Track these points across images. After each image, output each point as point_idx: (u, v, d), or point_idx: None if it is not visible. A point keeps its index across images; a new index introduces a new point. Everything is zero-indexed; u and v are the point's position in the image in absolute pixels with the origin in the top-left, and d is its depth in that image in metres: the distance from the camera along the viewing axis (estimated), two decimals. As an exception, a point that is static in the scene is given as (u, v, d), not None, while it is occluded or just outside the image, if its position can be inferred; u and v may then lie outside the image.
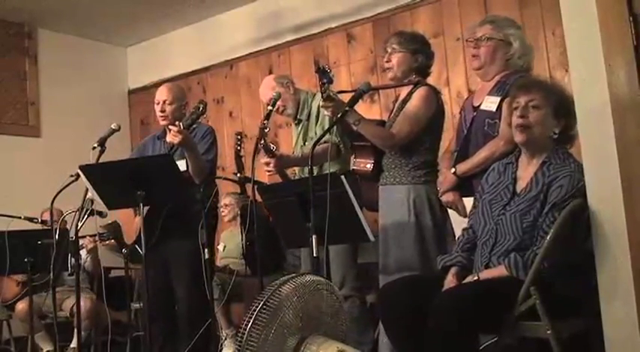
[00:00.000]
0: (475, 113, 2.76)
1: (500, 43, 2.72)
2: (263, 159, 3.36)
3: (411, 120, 2.95)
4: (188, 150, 3.12)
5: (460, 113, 2.93)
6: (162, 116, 3.46)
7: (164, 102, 3.45)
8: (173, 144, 3.10)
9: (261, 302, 1.98)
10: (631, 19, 1.99)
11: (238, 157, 3.97)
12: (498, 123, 2.63)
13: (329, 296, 2.13)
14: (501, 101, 2.62)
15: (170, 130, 3.09)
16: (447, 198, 2.79)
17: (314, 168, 2.76)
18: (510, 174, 2.38)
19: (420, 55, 3.07)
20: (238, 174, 3.90)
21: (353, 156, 3.22)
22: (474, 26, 2.85)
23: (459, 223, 2.78)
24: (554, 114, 2.27)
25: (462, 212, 2.75)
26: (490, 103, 2.68)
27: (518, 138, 2.31)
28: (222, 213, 4.87)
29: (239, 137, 3.96)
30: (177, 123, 3.11)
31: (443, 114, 3.07)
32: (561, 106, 2.27)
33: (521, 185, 2.33)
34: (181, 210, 3.19)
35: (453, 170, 2.74)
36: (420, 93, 2.98)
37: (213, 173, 3.51)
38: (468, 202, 2.66)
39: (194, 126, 3.22)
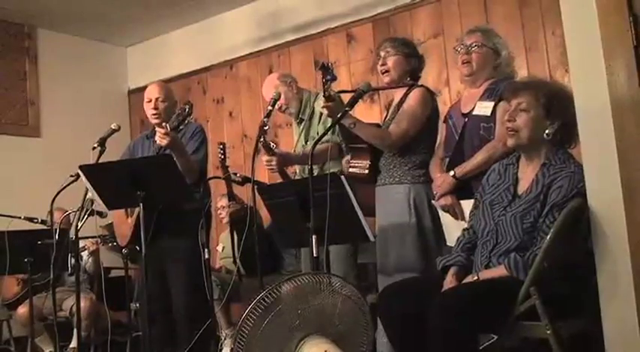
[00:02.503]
0: (466, 119, 2.80)
1: (490, 51, 2.80)
2: (264, 157, 3.36)
3: (407, 120, 2.96)
4: (176, 151, 3.09)
5: (446, 122, 2.96)
6: (154, 114, 3.44)
7: (156, 99, 3.43)
8: (161, 146, 3.10)
9: (260, 295, 2.00)
10: (631, 19, 1.99)
11: (224, 167, 3.97)
12: (494, 127, 2.66)
13: (331, 297, 2.10)
14: (495, 105, 2.68)
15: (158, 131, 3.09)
16: (445, 201, 2.79)
17: (314, 168, 2.76)
18: (511, 175, 2.38)
19: (412, 58, 3.11)
20: (238, 174, 3.90)
21: (349, 158, 3.22)
22: (462, 36, 2.94)
23: (449, 225, 2.78)
24: (545, 115, 2.27)
25: (459, 215, 2.76)
26: (484, 108, 2.73)
27: (508, 141, 2.35)
28: (221, 215, 4.87)
29: (221, 147, 3.96)
30: (164, 124, 3.10)
31: (438, 114, 3.09)
32: (553, 106, 2.26)
33: (522, 186, 2.33)
34: (175, 210, 3.19)
35: (451, 173, 2.75)
36: (415, 93, 3.01)
37: (204, 172, 3.50)
38: (466, 205, 2.67)
39: (181, 127, 3.20)
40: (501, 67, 2.81)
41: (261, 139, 3.25)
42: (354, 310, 2.10)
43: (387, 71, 3.07)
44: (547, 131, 2.27)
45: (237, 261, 3.90)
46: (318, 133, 3.42)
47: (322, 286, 2.08)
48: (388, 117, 3.14)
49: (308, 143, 3.54)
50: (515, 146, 2.34)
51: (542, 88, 2.34)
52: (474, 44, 2.80)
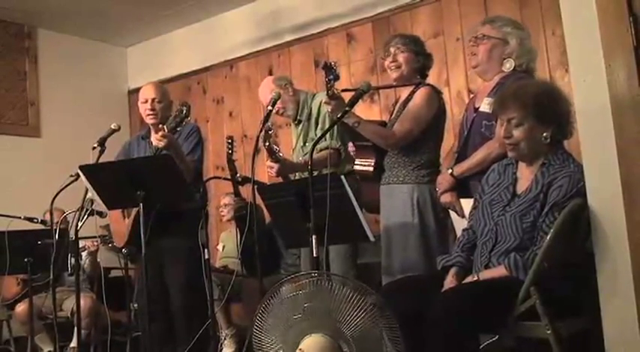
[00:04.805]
0: (475, 115, 2.77)
1: (498, 42, 2.72)
2: (267, 161, 3.37)
3: (412, 119, 2.96)
4: (172, 152, 3.07)
5: (464, 114, 2.93)
6: (151, 114, 3.42)
7: (153, 100, 3.42)
8: (158, 147, 3.10)
9: (271, 290, 2.07)
10: (631, 19, 1.99)
11: (230, 161, 3.98)
12: (495, 125, 2.63)
13: (334, 297, 2.07)
14: None
15: (156, 132, 3.08)
16: (445, 198, 2.80)
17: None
18: (510, 174, 2.38)
19: (421, 56, 3.10)
20: (238, 174, 3.91)
21: (354, 153, 3.22)
22: (476, 26, 2.87)
23: (459, 222, 2.79)
24: (539, 123, 2.25)
25: (459, 212, 2.77)
26: (488, 105, 2.68)
27: (510, 154, 2.34)
28: (222, 213, 4.88)
29: (229, 141, 3.97)
30: (160, 126, 3.09)
31: (445, 114, 3.09)
32: (543, 112, 2.24)
33: (521, 186, 2.33)
34: (174, 210, 3.18)
35: (449, 171, 2.75)
36: (421, 93, 3.00)
37: (201, 172, 3.51)
38: (466, 203, 2.67)
39: (178, 128, 3.18)
40: (512, 58, 2.70)
41: (266, 143, 3.26)
42: (366, 316, 2.05)
43: (397, 67, 3.05)
44: (544, 134, 2.27)
45: (239, 260, 3.91)
46: (316, 135, 3.42)
47: (335, 289, 2.07)
48: (394, 115, 3.13)
49: (307, 144, 3.54)
50: (517, 157, 2.34)
51: (527, 96, 2.28)
52: (481, 36, 2.74)
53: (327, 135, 3.16)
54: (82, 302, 3.49)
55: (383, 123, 3.23)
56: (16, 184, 5.22)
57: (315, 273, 2.14)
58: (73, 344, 4.18)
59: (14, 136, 5.55)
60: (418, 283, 2.50)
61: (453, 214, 2.86)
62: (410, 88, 3.08)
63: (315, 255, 2.50)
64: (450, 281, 2.34)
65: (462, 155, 2.76)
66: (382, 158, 3.10)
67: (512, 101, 2.28)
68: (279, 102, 3.48)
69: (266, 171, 3.59)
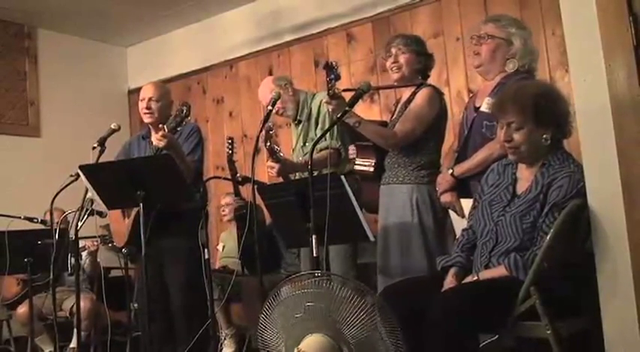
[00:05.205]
0: (476, 114, 2.76)
1: (502, 42, 2.71)
2: (268, 161, 3.38)
3: (413, 120, 2.96)
4: (172, 153, 3.07)
5: (464, 114, 2.93)
6: (147, 113, 3.41)
7: (149, 99, 3.42)
8: (158, 147, 3.10)
9: (276, 288, 2.10)
10: (631, 19, 1.99)
11: (231, 161, 3.98)
12: (496, 126, 2.63)
13: (334, 297, 2.07)
14: None
15: (156, 131, 3.08)
16: (445, 198, 2.80)
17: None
18: (510, 175, 2.38)
19: (422, 57, 3.10)
20: (238, 174, 3.91)
21: (354, 154, 3.22)
22: (479, 24, 2.85)
23: (459, 222, 2.79)
24: (538, 126, 2.24)
25: (459, 212, 2.77)
26: (488, 105, 2.67)
27: (511, 157, 2.34)
28: (223, 213, 4.89)
29: (230, 142, 3.97)
30: (160, 126, 3.09)
31: (446, 114, 3.09)
32: (542, 115, 2.24)
33: (521, 186, 2.33)
34: (174, 210, 3.18)
35: (450, 171, 2.74)
36: (423, 93, 3.00)
37: (201, 172, 3.51)
38: (466, 203, 2.67)
39: (178, 128, 3.17)
40: (515, 59, 2.69)
41: (267, 143, 3.26)
42: (366, 318, 2.04)
43: (399, 68, 3.05)
44: (544, 136, 2.26)
45: (239, 259, 3.91)
46: (316, 135, 3.42)
47: (338, 290, 2.06)
48: (395, 115, 3.13)
49: (307, 144, 3.54)
50: (519, 160, 2.34)
51: (526, 98, 2.27)
52: (485, 35, 2.72)
53: (327, 135, 3.16)
54: (81, 303, 3.49)
55: (384, 124, 3.22)
56: (16, 184, 5.22)
57: (317, 273, 2.14)
58: (73, 344, 4.18)
59: (14, 136, 5.55)
60: (417, 284, 2.50)
61: (452, 214, 2.86)
62: (412, 89, 3.07)
63: (315, 254, 2.50)
64: (449, 282, 2.34)
65: (462, 155, 2.76)
66: (382, 158, 3.10)
67: (511, 104, 2.28)
68: (279, 102, 3.48)
69: (266, 171, 3.60)
